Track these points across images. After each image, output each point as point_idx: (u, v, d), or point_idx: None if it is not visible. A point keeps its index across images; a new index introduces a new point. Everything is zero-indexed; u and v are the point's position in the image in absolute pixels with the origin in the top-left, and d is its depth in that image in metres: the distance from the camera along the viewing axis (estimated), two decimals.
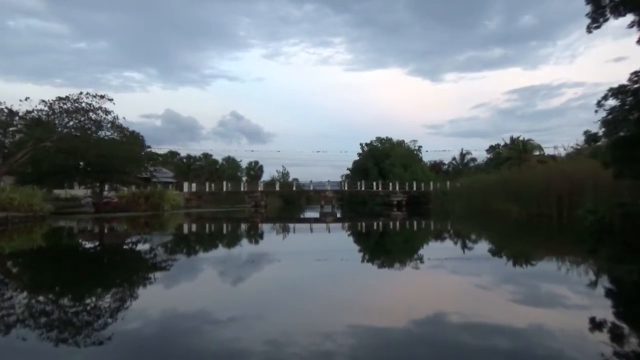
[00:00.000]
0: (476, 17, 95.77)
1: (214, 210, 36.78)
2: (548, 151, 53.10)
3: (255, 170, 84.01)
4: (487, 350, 3.71)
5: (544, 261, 9.41)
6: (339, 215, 34.08)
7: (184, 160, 72.04)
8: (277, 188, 53.97)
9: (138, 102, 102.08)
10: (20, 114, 23.82)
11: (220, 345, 3.84)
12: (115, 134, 27.13)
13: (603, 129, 12.36)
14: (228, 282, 7.24)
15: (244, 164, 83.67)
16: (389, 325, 4.46)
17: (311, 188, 50.86)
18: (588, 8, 12.59)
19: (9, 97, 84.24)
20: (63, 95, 24.06)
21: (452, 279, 7.37)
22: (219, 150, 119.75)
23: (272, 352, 3.62)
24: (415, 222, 23.76)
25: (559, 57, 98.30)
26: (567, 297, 5.76)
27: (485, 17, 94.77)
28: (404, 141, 65.39)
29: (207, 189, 47.67)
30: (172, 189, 42.40)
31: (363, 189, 49.25)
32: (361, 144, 67.76)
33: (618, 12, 11.95)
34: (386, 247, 13.37)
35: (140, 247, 12.90)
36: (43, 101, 23.95)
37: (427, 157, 65.56)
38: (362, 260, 10.05)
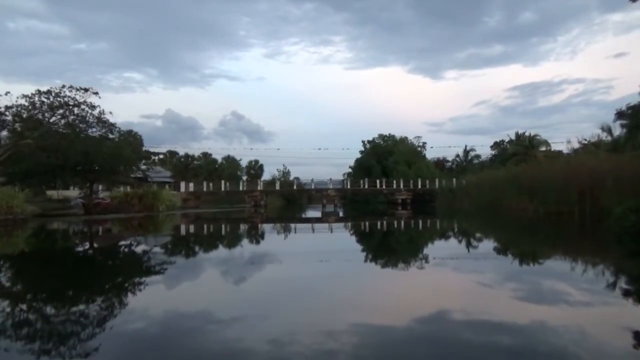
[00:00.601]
0: (476, 14, 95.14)
1: (212, 211, 35.36)
2: (557, 147, 52.01)
3: (255, 169, 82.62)
4: None
5: (592, 268, 7.88)
6: (341, 214, 32.65)
7: (182, 159, 70.58)
8: (278, 187, 52.35)
9: (138, 102, 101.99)
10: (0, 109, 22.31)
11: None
12: (103, 131, 25.36)
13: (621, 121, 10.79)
14: (220, 288, 6.55)
15: (244, 163, 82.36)
16: (396, 330, 4.11)
17: (312, 187, 49.28)
18: None
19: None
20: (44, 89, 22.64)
21: (481, 292, 5.88)
22: (219, 150, 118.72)
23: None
24: (423, 221, 22.21)
25: (560, 54, 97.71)
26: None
27: (486, 13, 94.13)
28: (407, 138, 63.98)
29: (205, 189, 46.25)
30: (169, 189, 41.11)
31: (366, 187, 47.71)
32: (363, 142, 66.37)
33: None
34: (397, 250, 11.78)
35: (121, 252, 11.48)
36: (25, 96, 22.54)
37: (429, 154, 64.24)
38: (369, 262, 8.63)
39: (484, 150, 66.48)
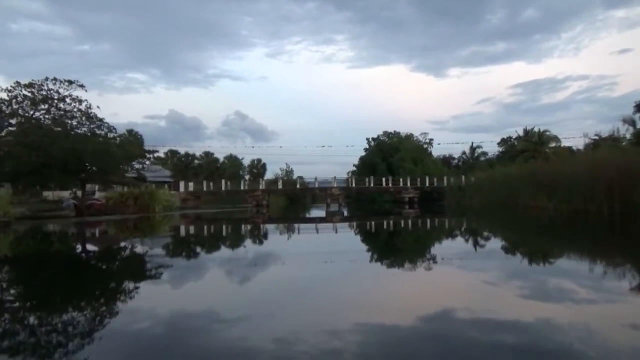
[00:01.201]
0: (479, 12, 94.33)
1: (212, 211, 33.94)
2: (563, 143, 50.32)
3: (258, 168, 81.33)
4: None
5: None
6: (346, 214, 31.17)
7: (182, 159, 69.22)
8: (280, 186, 50.81)
9: (142, 103, 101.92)
10: None
11: None
12: (93, 127, 23.71)
13: None
14: (214, 297, 5.41)
15: (246, 162, 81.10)
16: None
17: (316, 186, 47.76)
18: None
19: None
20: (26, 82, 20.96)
21: (519, 306, 4.42)
22: (221, 150, 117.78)
23: None
24: (434, 221, 20.63)
25: (564, 51, 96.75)
26: None
27: (488, 11, 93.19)
28: (413, 135, 62.41)
29: (205, 189, 44.89)
30: (168, 189, 39.83)
31: (372, 185, 46.14)
32: (368, 139, 64.89)
33: None
34: (412, 253, 10.15)
35: (96, 260, 10.07)
36: (4, 89, 20.95)
37: (434, 152, 62.75)
38: (377, 262, 7.15)
39: (488, 147, 65.28)
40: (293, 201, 55.39)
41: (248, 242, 13.68)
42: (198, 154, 74.98)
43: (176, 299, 5.56)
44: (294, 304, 5.15)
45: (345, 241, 13.50)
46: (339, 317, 4.36)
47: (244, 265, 8.41)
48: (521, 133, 55.42)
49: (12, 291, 6.73)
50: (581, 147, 47.71)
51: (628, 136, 30.70)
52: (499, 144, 62.45)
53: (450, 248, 10.59)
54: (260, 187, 45.58)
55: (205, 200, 43.75)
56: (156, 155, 51.40)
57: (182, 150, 72.14)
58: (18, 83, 21.05)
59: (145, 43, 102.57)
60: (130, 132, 61.37)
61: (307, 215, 31.47)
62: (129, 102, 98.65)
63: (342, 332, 3.82)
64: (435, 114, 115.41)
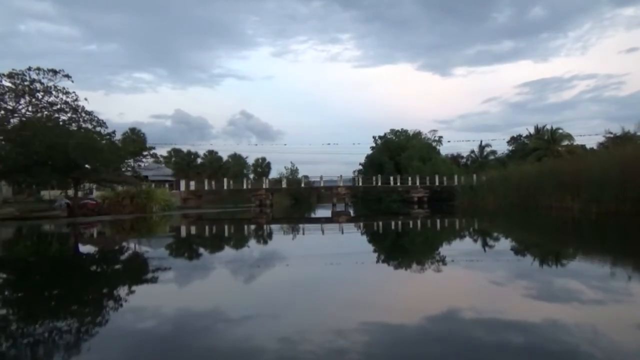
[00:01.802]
0: (485, 10, 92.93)
1: (213, 211, 32.59)
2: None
3: (262, 167, 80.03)
4: None
5: None
6: (353, 214, 29.69)
7: (184, 157, 67.88)
8: (284, 185, 49.28)
9: (148, 103, 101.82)
10: None
11: None
12: (80, 120, 22.15)
13: None
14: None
15: (250, 161, 79.82)
16: None
17: (322, 184, 46.24)
18: None
19: None
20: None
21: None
22: (226, 148, 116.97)
23: None
24: (447, 222, 19.05)
25: (570, 49, 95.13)
26: None
27: (495, 9, 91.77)
28: (421, 132, 60.69)
29: (206, 187, 43.56)
30: (169, 187, 38.57)
31: (379, 184, 44.52)
32: (374, 137, 63.29)
33: None
34: (433, 260, 8.68)
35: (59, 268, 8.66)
36: None
37: (442, 150, 61.02)
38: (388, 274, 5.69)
39: (496, 146, 63.90)
40: (298, 200, 53.95)
41: (247, 247, 12.21)
42: (202, 153, 74.01)
43: (157, 318, 4.30)
44: (297, 314, 4.51)
45: (356, 244, 12.04)
46: (344, 321, 4.01)
47: (243, 275, 6.96)
48: (532, 131, 53.77)
49: None
50: (591, 146, 46.38)
51: None
52: (508, 142, 61.10)
53: (478, 255, 9.02)
54: (264, 186, 44.17)
55: (206, 199, 42.46)
56: (157, 153, 50.49)
57: (184, 148, 71.19)
58: None
59: (151, 43, 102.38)
60: (133, 130, 60.43)
61: (312, 215, 30.12)
62: (135, 101, 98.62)
63: (347, 333, 3.61)
64: (441, 113, 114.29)
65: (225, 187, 43.72)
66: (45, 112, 20.81)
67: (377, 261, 8.70)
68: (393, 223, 19.44)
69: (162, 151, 59.75)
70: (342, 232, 15.61)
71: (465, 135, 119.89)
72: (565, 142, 48.56)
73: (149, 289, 6.23)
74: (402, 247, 11.50)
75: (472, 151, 62.34)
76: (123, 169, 28.59)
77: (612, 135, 41.26)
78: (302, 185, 49.07)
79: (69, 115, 21.51)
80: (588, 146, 46.84)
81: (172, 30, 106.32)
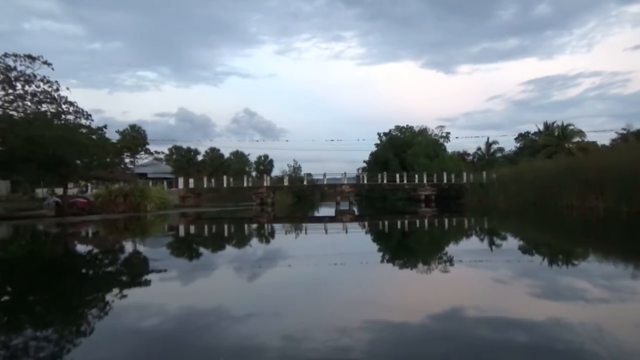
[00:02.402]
0: (490, 7, 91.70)
1: (212, 210, 31.20)
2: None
3: (264, 164, 78.69)
4: None
5: None
6: (357, 212, 28.28)
7: (183, 154, 66.45)
8: (286, 183, 47.78)
9: (152, 101, 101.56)
10: None
11: None
12: (62, 112, 20.55)
13: None
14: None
15: (253, 159, 78.48)
16: None
17: (325, 182, 44.75)
18: None
19: None
20: None
21: None
22: (228, 145, 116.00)
23: None
24: (460, 222, 17.56)
25: (576, 47, 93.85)
26: None
27: (500, 6, 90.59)
28: (427, 128, 59.11)
29: (205, 185, 42.21)
30: (168, 185, 37.29)
31: (385, 182, 42.99)
32: (379, 134, 61.72)
33: None
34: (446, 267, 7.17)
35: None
36: None
37: (448, 147, 59.52)
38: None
39: (502, 143, 62.43)
40: (300, 199, 52.53)
41: (245, 250, 10.80)
42: (204, 150, 72.63)
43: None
44: (300, 313, 4.33)
45: (361, 244, 10.64)
46: (347, 320, 3.88)
47: (241, 278, 5.55)
48: (541, 127, 52.33)
49: None
50: (601, 143, 44.80)
51: None
52: (515, 138, 59.97)
53: (509, 263, 7.53)
54: (265, 184, 42.76)
55: (206, 197, 41.12)
56: (157, 150, 49.12)
57: (185, 146, 69.78)
58: None
59: (154, 41, 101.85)
60: (133, 127, 59.09)
61: (315, 214, 28.74)
62: (138, 99, 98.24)
63: (351, 331, 3.52)
64: (444, 111, 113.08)
65: (225, 185, 42.39)
66: (26, 102, 19.25)
67: (382, 261, 8.26)
68: (405, 222, 18.02)
69: (163, 148, 58.65)
70: (346, 232, 14.55)
71: (469, 133, 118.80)
72: (577, 139, 47.11)
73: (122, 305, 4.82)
74: (420, 251, 10.04)
75: (479, 148, 60.91)
76: (119, 166, 27.17)
77: (626, 132, 39.72)
78: (305, 183, 47.59)
79: (53, 107, 19.90)
80: (597, 143, 45.49)
81: (175, 29, 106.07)
